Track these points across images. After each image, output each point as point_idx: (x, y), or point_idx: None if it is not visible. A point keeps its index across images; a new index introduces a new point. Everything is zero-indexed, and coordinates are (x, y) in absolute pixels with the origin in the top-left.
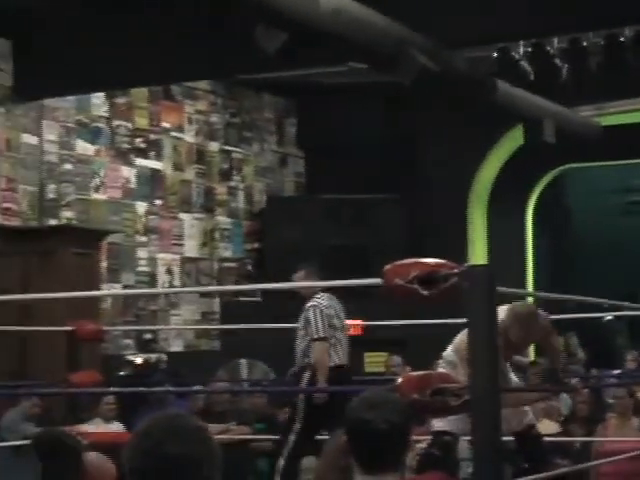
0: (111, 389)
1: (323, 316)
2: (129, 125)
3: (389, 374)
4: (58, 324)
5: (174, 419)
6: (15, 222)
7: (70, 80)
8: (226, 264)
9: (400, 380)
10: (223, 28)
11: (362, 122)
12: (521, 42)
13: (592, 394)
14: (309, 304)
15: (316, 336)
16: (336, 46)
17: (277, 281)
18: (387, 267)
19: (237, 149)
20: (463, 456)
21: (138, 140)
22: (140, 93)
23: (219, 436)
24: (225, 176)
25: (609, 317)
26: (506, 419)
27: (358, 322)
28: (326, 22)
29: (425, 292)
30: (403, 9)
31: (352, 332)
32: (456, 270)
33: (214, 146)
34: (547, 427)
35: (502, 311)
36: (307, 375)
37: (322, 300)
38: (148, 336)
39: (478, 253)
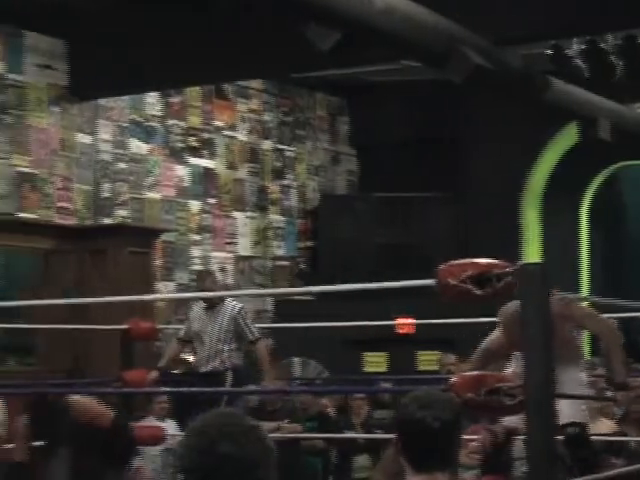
0: (164, 388)
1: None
2: (183, 124)
3: (444, 372)
4: (113, 323)
5: (228, 418)
6: (70, 221)
7: (124, 80)
8: (279, 262)
9: (454, 379)
10: (276, 27)
11: (412, 120)
12: (575, 39)
13: None
14: (236, 305)
15: (255, 337)
16: (388, 44)
17: (329, 279)
18: (440, 267)
19: (290, 147)
20: (517, 455)
21: (191, 139)
22: (193, 92)
23: (271, 434)
24: (278, 174)
25: None
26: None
27: (410, 321)
28: (379, 20)
29: (478, 292)
30: (456, 7)
31: (404, 331)
32: (509, 269)
33: (267, 145)
34: (603, 427)
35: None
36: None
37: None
38: None
39: (531, 253)
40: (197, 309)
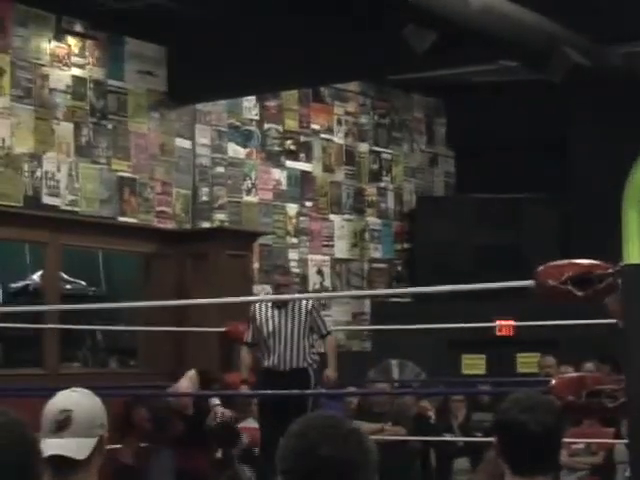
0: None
1: None
2: (279, 127)
3: (543, 375)
4: (212, 325)
5: (328, 420)
6: (169, 225)
7: (222, 84)
8: (376, 265)
9: (554, 382)
10: (373, 29)
11: (512, 120)
12: None
13: None
14: (309, 300)
15: (328, 331)
16: (486, 44)
17: (426, 281)
18: (540, 268)
19: (386, 150)
20: (620, 459)
21: (288, 142)
22: (290, 96)
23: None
24: (375, 177)
25: None
26: None
27: (510, 323)
28: (476, 20)
29: (579, 293)
30: (555, 5)
31: (503, 332)
32: (611, 270)
33: (363, 147)
34: None
35: None
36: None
37: None
38: None
39: (633, 253)
40: (264, 309)
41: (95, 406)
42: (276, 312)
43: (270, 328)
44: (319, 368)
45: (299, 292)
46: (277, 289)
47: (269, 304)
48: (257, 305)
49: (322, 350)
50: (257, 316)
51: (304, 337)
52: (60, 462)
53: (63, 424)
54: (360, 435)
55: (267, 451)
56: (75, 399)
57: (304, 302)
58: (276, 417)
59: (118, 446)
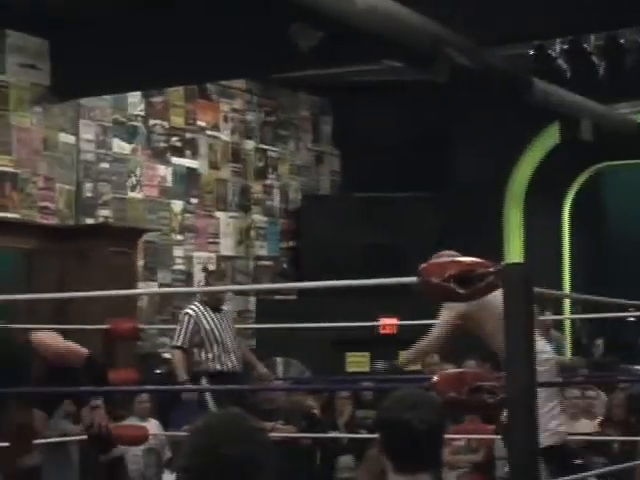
0: (147, 387)
1: None
2: (165, 124)
3: (426, 372)
4: (94, 322)
5: (232, 419)
6: (52, 221)
7: (107, 79)
8: (262, 262)
9: (436, 378)
10: (258, 26)
11: (397, 120)
12: (558, 39)
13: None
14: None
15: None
16: (371, 44)
17: (312, 279)
18: (423, 265)
19: (273, 147)
20: (499, 455)
21: (174, 139)
22: (176, 92)
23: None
24: (261, 174)
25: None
26: None
27: (393, 321)
28: (361, 20)
29: (461, 291)
30: (438, 7)
31: (387, 331)
32: (492, 269)
33: (250, 144)
34: (585, 426)
35: None
36: None
37: None
38: None
39: (514, 252)
40: (204, 313)
41: None
42: (217, 316)
43: (217, 331)
44: None
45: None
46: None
47: (205, 308)
48: (194, 309)
49: None
50: (200, 319)
51: (235, 341)
52: None
53: None
54: (262, 433)
55: None
56: None
57: (228, 307)
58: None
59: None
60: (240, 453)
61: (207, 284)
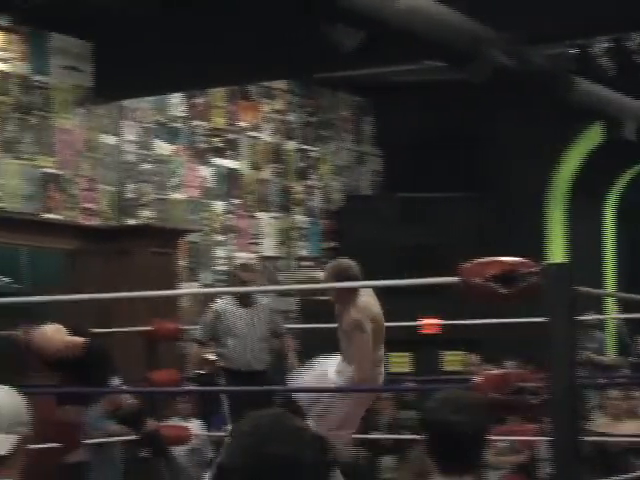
0: (188, 387)
1: None
2: (206, 125)
3: (467, 373)
4: (137, 323)
5: (276, 418)
6: (95, 222)
7: (149, 81)
8: (303, 263)
9: (478, 379)
10: (300, 27)
11: (437, 120)
12: (600, 38)
13: None
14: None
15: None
16: (412, 44)
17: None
18: (465, 266)
19: (314, 148)
20: (543, 456)
21: (215, 139)
22: (218, 93)
23: None
24: (302, 175)
25: None
26: None
27: (435, 321)
28: (402, 20)
29: (503, 291)
30: (479, 6)
31: (429, 331)
32: (534, 269)
33: (291, 145)
34: (628, 427)
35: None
36: None
37: None
38: None
39: (557, 252)
40: (229, 308)
41: (18, 403)
42: (244, 312)
43: (241, 328)
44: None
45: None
46: (240, 285)
47: (233, 303)
48: (221, 304)
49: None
50: (225, 315)
51: (268, 338)
52: None
53: None
54: (308, 433)
55: None
56: None
57: (265, 302)
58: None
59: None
60: (285, 453)
61: (235, 277)
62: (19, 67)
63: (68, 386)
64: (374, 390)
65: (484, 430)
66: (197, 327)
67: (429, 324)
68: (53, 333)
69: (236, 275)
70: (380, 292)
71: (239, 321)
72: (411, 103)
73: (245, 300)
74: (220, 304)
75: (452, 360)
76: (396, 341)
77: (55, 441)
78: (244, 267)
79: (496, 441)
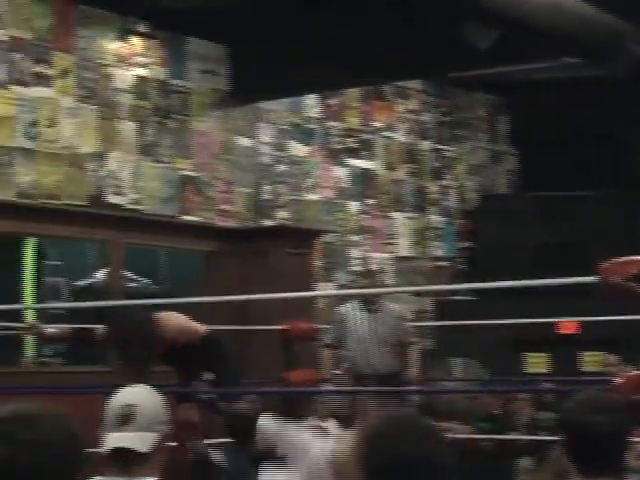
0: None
1: None
2: (341, 125)
3: (606, 374)
4: (274, 323)
5: (409, 420)
6: (231, 223)
7: (284, 83)
8: (438, 263)
9: (619, 380)
10: (434, 27)
11: (574, 117)
12: None
13: None
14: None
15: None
16: (548, 41)
17: (489, 279)
18: (603, 265)
19: (449, 147)
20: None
21: (350, 140)
22: (352, 93)
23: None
24: (437, 175)
25: None
26: None
27: (573, 320)
28: (538, 17)
29: None
30: (616, 1)
31: (567, 331)
32: None
33: (426, 145)
34: None
35: None
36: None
37: None
38: None
39: None
40: (353, 312)
41: (158, 403)
42: (366, 315)
43: (362, 332)
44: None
45: None
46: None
47: (357, 307)
48: (345, 308)
49: None
50: (348, 319)
51: (392, 343)
52: (123, 456)
53: (127, 418)
54: (440, 435)
55: None
56: (139, 395)
57: (393, 307)
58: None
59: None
60: (418, 453)
61: (359, 283)
62: (157, 72)
63: (183, 383)
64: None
65: (625, 432)
66: (326, 331)
67: (567, 324)
68: (176, 316)
69: (358, 282)
70: (517, 292)
71: (361, 325)
72: (547, 101)
73: (369, 304)
74: (345, 307)
75: (591, 360)
76: (533, 341)
77: (176, 440)
78: (366, 274)
79: (638, 443)
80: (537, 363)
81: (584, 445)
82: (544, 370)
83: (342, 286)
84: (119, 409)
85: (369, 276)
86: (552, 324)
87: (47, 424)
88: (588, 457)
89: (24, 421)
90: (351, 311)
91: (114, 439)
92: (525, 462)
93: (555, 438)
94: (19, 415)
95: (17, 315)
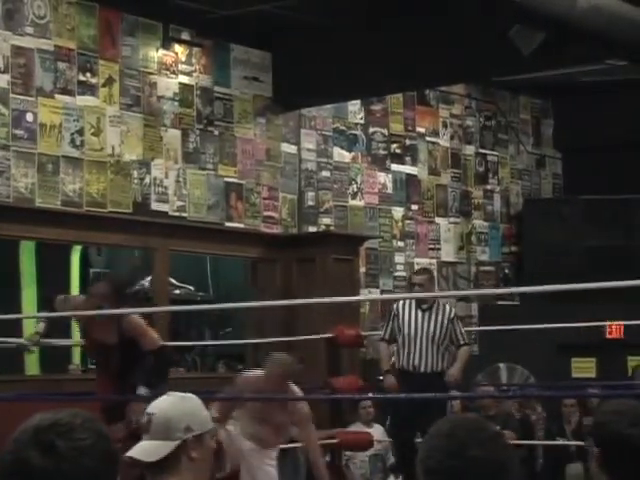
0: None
1: None
2: (385, 131)
3: None
4: (319, 329)
5: (475, 422)
6: (276, 230)
7: (328, 89)
8: (483, 268)
9: None
10: (478, 30)
11: (620, 121)
12: None
13: None
14: (452, 308)
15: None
16: (594, 44)
17: (535, 283)
18: None
19: (493, 152)
20: None
21: (394, 146)
22: (395, 99)
23: None
24: (481, 179)
25: None
26: None
27: (621, 324)
28: (583, 20)
29: None
30: None
31: (614, 335)
32: None
33: (469, 149)
34: None
35: None
36: None
37: None
38: None
39: None
40: (408, 309)
41: (180, 410)
42: (420, 314)
43: (412, 329)
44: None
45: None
46: (412, 288)
47: (413, 305)
48: (401, 304)
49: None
50: (400, 315)
51: (443, 343)
52: (146, 465)
53: (146, 427)
54: (504, 438)
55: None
56: (163, 403)
57: (447, 308)
58: (409, 419)
59: None
60: (487, 456)
61: (409, 280)
62: (201, 79)
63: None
64: (565, 396)
65: None
66: (382, 325)
67: (614, 327)
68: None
69: (409, 277)
70: (563, 297)
71: (411, 322)
72: (592, 104)
73: (421, 302)
74: (398, 304)
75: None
76: (581, 345)
77: None
78: (417, 271)
79: None
80: (584, 368)
81: (621, 458)
82: (591, 375)
83: (386, 292)
84: (144, 417)
85: (420, 273)
86: (600, 328)
87: (84, 431)
88: (625, 470)
89: (62, 429)
90: (406, 308)
91: (133, 448)
92: (574, 468)
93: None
94: (57, 423)
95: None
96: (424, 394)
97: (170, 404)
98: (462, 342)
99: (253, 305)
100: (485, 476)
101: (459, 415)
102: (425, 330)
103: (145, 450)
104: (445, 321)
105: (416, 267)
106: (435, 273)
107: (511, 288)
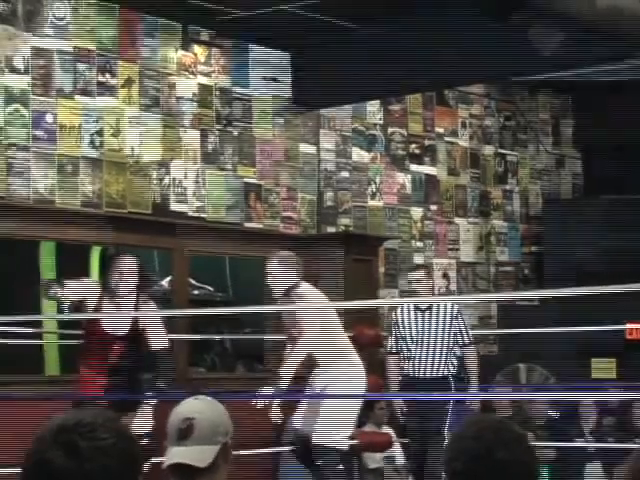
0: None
1: None
2: (403, 131)
3: None
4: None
5: (501, 424)
6: (295, 230)
7: (347, 90)
8: (503, 268)
9: None
10: (497, 30)
11: None
12: None
13: None
14: (454, 305)
15: (470, 340)
16: (613, 43)
17: (555, 285)
18: None
19: (512, 152)
20: None
21: (412, 146)
22: (414, 99)
23: None
24: (500, 179)
25: None
26: None
27: None
28: (603, 19)
29: None
30: None
31: (634, 336)
32: None
33: (488, 150)
34: None
35: None
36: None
37: None
38: None
39: None
40: (406, 312)
41: (218, 413)
42: (419, 315)
43: (412, 332)
44: (458, 373)
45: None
46: (409, 286)
47: (411, 307)
48: (399, 310)
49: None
50: (399, 321)
51: (447, 343)
52: (184, 470)
53: (186, 432)
54: (528, 440)
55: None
56: (198, 407)
57: (449, 306)
58: (419, 423)
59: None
60: (514, 458)
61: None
62: (220, 80)
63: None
64: (585, 397)
65: None
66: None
67: (635, 329)
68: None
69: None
70: (583, 298)
71: (411, 326)
72: (612, 103)
73: (419, 304)
74: (397, 310)
75: None
76: (601, 346)
77: None
78: (413, 267)
79: None
80: (604, 369)
81: None
82: (612, 376)
83: (406, 292)
84: (179, 422)
85: (418, 269)
86: (620, 330)
87: (106, 431)
88: None
89: (84, 429)
90: (404, 312)
91: (174, 454)
92: (593, 467)
93: (620, 445)
94: (79, 424)
95: None
96: (436, 396)
97: (207, 408)
98: (467, 341)
99: (271, 309)
100: (511, 478)
101: (483, 416)
102: (425, 332)
103: (192, 455)
104: (447, 320)
105: (435, 268)
106: (454, 273)
107: (524, 292)
